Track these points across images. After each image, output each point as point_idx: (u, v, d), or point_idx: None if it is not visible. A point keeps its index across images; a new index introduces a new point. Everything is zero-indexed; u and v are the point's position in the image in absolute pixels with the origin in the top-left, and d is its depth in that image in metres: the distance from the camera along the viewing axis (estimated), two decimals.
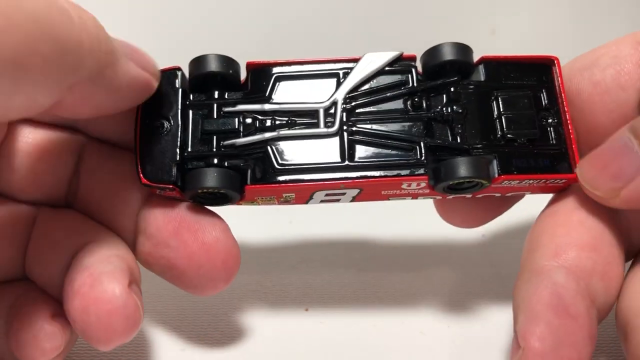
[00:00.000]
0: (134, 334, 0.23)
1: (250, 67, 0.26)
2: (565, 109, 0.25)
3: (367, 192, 0.25)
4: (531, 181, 0.25)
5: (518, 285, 0.25)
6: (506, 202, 0.28)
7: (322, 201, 0.26)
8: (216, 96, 0.26)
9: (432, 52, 0.26)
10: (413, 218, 0.32)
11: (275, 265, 0.32)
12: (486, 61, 0.26)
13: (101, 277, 0.23)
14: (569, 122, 0.25)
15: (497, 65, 0.26)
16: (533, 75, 0.26)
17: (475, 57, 0.26)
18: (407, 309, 0.30)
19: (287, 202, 0.26)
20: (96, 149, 0.27)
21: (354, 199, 0.26)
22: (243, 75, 0.26)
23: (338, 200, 0.26)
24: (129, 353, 0.28)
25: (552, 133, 0.25)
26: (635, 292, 0.24)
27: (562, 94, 0.26)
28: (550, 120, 0.25)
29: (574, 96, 0.26)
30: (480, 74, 0.26)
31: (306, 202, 0.26)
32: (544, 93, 0.26)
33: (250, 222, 0.32)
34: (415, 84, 0.26)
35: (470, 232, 0.33)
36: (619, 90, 0.26)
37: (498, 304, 0.30)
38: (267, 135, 0.25)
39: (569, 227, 0.25)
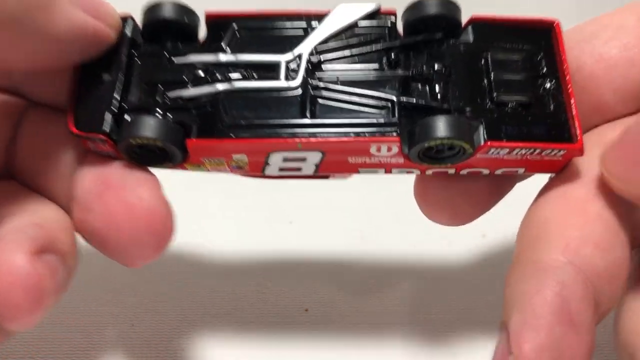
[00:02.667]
0: (41, 309, 0.20)
1: (209, 18, 0.23)
2: (566, 76, 0.22)
3: (331, 158, 0.22)
4: (524, 151, 0.21)
5: (514, 277, 0.21)
6: (496, 189, 0.24)
7: (281, 169, 0.22)
8: (169, 47, 0.23)
9: (414, 7, 0.23)
10: (416, 216, 0.30)
11: (275, 265, 0.31)
12: (476, 22, 0.23)
13: (5, 247, 0.20)
14: (569, 89, 0.22)
15: (488, 28, 0.23)
16: (530, 40, 0.23)
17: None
18: (411, 307, 0.30)
19: (240, 168, 0.22)
20: (38, 114, 0.24)
21: (317, 168, 0.22)
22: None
23: (299, 170, 0.23)
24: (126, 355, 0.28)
25: (551, 100, 0.22)
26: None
27: (563, 60, 0.22)
28: (548, 87, 0.22)
29: (573, 72, 0.23)
30: (469, 36, 0.23)
31: (262, 171, 0.23)
32: (543, 59, 0.22)
33: (250, 222, 0.32)
34: (392, 40, 0.22)
35: (471, 233, 0.31)
36: (628, 65, 0.23)
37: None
38: (219, 86, 0.22)
39: (586, 219, 0.21)
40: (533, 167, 0.22)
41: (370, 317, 0.29)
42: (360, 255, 0.32)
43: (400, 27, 0.23)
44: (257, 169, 0.23)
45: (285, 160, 0.22)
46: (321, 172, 0.23)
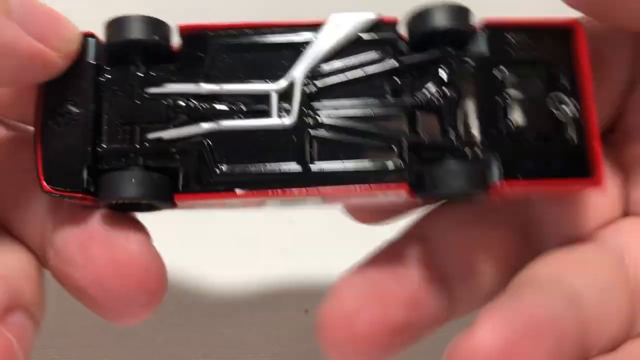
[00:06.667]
0: None
1: (185, 32, 0.20)
2: (589, 93, 0.20)
3: (333, 200, 0.20)
4: (543, 188, 0.19)
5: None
6: None
7: (275, 206, 0.21)
8: (139, 71, 0.20)
9: (419, 17, 0.20)
10: None
11: (275, 266, 0.30)
12: (492, 27, 0.20)
13: None
14: (592, 110, 0.20)
15: (505, 34, 0.20)
16: (549, 48, 0.20)
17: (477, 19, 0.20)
18: None
19: (232, 207, 0.21)
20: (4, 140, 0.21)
21: (317, 205, 0.21)
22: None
23: (298, 206, 0.21)
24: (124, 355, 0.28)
25: (570, 125, 0.20)
26: None
27: (586, 73, 0.20)
28: (567, 108, 0.20)
29: None
30: (483, 45, 0.20)
31: (255, 207, 0.21)
32: (564, 72, 0.20)
33: (249, 222, 0.31)
34: (396, 60, 0.20)
35: None
36: None
37: None
38: (204, 126, 0.19)
39: None
40: (544, 196, 0.21)
41: None
42: (361, 256, 0.31)
43: (404, 32, 0.20)
44: (251, 207, 0.21)
45: (283, 203, 0.20)
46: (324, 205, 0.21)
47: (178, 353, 0.28)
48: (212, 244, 0.31)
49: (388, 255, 0.20)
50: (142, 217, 0.21)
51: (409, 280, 0.19)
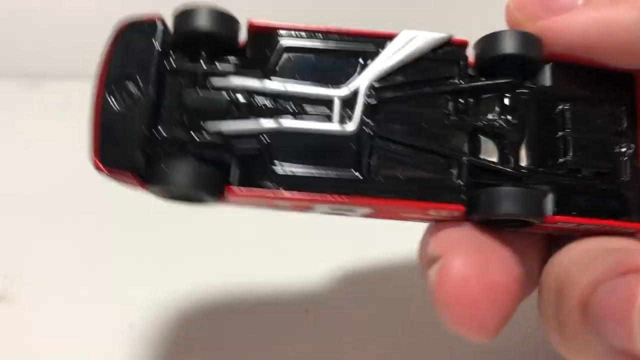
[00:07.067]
0: None
1: (253, 29, 0.20)
2: None
3: (383, 211, 0.20)
4: (593, 226, 0.19)
5: None
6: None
7: (322, 212, 0.21)
8: (205, 62, 0.20)
9: (489, 42, 0.20)
10: None
11: (275, 266, 0.30)
12: (556, 62, 0.20)
13: None
14: None
15: (569, 69, 0.20)
16: (611, 88, 0.20)
17: None
18: (413, 308, 0.29)
19: (277, 208, 0.21)
20: None
21: (365, 216, 0.21)
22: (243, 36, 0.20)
23: (344, 215, 0.21)
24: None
25: (627, 166, 0.20)
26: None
27: None
28: (624, 149, 0.20)
29: None
30: (546, 77, 0.20)
31: (303, 211, 0.21)
32: (623, 114, 0.20)
33: (249, 221, 0.30)
34: (462, 81, 0.20)
35: None
36: None
37: None
38: (265, 125, 0.19)
39: None
40: (597, 234, 0.21)
41: (372, 318, 0.29)
42: (362, 256, 0.31)
43: (471, 56, 0.20)
44: (298, 211, 0.21)
45: (332, 209, 0.20)
46: (368, 218, 0.21)
47: (177, 353, 0.27)
48: (213, 244, 0.30)
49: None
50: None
51: (500, 239, 0.19)
